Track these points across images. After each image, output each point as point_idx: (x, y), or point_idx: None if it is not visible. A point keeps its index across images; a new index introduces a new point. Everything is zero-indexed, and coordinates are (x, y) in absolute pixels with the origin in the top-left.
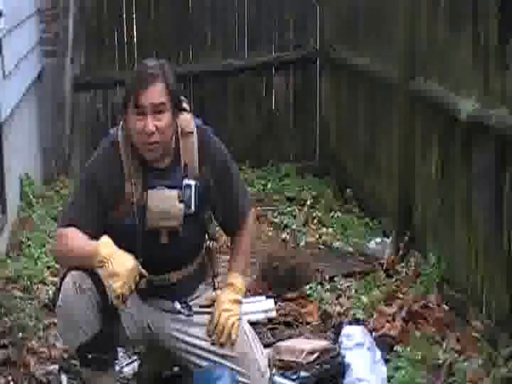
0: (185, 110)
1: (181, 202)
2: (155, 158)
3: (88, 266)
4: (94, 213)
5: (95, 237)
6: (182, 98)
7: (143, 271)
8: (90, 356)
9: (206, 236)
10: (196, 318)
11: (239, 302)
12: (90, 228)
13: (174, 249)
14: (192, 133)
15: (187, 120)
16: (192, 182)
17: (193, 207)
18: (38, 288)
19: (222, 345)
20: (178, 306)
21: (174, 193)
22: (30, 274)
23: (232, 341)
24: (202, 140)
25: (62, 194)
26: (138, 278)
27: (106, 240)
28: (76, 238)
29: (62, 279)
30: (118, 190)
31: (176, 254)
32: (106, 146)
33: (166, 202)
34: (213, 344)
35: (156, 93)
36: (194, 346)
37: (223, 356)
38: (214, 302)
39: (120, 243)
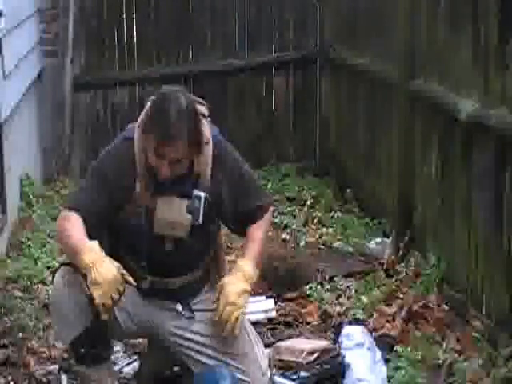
0: (203, 115)
1: (189, 212)
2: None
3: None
4: (100, 204)
5: (96, 227)
6: (200, 100)
7: (129, 279)
8: (82, 350)
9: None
10: (198, 316)
11: (246, 292)
12: (93, 218)
13: (179, 256)
14: (208, 143)
15: (201, 122)
16: (202, 194)
17: (200, 219)
18: (37, 288)
19: (224, 338)
20: (179, 308)
21: (184, 202)
22: (30, 274)
23: (235, 335)
24: (216, 151)
25: (62, 194)
26: (122, 289)
27: (91, 245)
28: (72, 230)
29: (54, 276)
30: (128, 189)
31: (180, 261)
32: (121, 142)
33: (174, 211)
34: (216, 335)
35: (177, 150)
36: (194, 342)
37: (224, 353)
38: (221, 290)
39: (126, 243)
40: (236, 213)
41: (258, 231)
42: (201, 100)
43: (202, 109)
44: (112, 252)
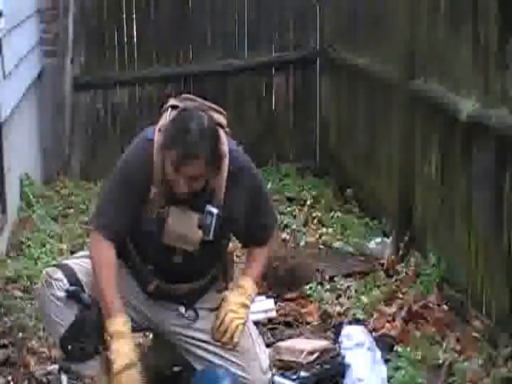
0: (221, 125)
1: (200, 227)
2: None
3: None
4: (128, 216)
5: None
6: (219, 109)
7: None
8: (69, 347)
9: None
10: (200, 313)
11: (246, 307)
12: (123, 233)
13: (186, 267)
14: (224, 158)
15: (221, 142)
16: (214, 211)
17: (211, 235)
18: (37, 288)
19: (223, 344)
20: (182, 310)
21: (196, 216)
22: (29, 274)
23: (234, 343)
24: (232, 168)
25: (61, 194)
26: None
27: (121, 320)
28: (106, 280)
29: None
30: (143, 190)
31: (187, 271)
32: (142, 142)
33: (186, 225)
34: (216, 341)
35: (196, 169)
36: (195, 338)
37: (225, 350)
38: (222, 300)
39: (136, 243)
40: (245, 230)
41: (261, 253)
42: (219, 108)
43: (220, 118)
44: (121, 248)
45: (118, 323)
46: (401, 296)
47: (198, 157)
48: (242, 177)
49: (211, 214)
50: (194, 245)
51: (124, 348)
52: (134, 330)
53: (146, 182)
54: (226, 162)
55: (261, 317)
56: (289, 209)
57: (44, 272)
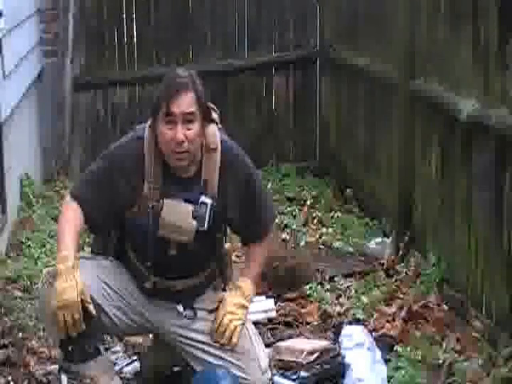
0: (213, 121)
1: (194, 218)
2: (182, 167)
3: None
4: (101, 204)
5: (98, 221)
6: (212, 106)
7: (90, 308)
8: (70, 348)
9: (218, 247)
10: (198, 314)
11: (245, 307)
12: (93, 212)
13: (183, 261)
14: (216, 149)
15: (213, 134)
16: (208, 201)
17: (205, 226)
18: (37, 288)
19: (222, 346)
20: (180, 308)
21: (189, 208)
22: (29, 274)
23: (232, 344)
24: (224, 159)
25: (61, 194)
26: (77, 316)
27: (66, 256)
28: (65, 229)
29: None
30: (135, 189)
31: (184, 265)
32: (131, 140)
33: (180, 216)
34: (215, 342)
35: (187, 102)
36: (194, 340)
37: (224, 351)
38: (220, 301)
39: (132, 242)
40: (241, 223)
41: (259, 253)
42: (212, 105)
43: (213, 115)
44: (119, 249)
45: (61, 259)
46: (401, 296)
47: (187, 86)
48: (236, 168)
49: (205, 204)
50: (188, 235)
51: (62, 286)
52: (135, 332)
53: (137, 180)
54: (218, 153)
55: (261, 317)
56: (289, 209)
57: (44, 272)
